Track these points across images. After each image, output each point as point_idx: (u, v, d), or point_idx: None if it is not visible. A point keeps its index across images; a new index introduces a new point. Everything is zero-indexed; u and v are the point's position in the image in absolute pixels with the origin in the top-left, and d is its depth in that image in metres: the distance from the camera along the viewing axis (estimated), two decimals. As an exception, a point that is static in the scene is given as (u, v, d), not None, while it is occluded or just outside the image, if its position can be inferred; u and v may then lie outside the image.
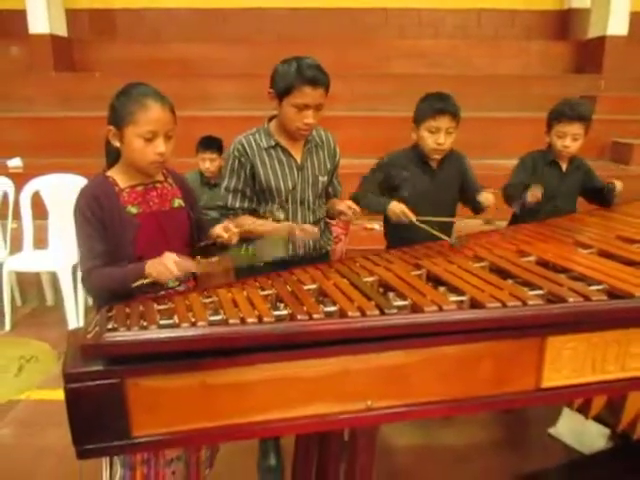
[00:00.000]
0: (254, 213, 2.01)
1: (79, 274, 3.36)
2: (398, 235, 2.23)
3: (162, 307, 1.26)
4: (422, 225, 2.00)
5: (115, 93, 1.63)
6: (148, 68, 5.80)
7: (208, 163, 3.32)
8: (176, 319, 1.20)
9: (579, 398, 1.55)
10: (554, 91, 5.01)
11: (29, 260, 3.49)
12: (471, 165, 2.38)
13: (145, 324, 1.17)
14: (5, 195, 3.64)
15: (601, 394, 1.52)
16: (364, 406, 1.31)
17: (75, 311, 3.36)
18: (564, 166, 2.39)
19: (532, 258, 1.65)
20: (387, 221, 2.32)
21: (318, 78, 1.84)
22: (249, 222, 1.87)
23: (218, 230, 1.66)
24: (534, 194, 2.22)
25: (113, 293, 1.48)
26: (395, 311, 1.26)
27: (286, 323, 1.21)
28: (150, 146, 1.54)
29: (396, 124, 2.67)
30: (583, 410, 1.66)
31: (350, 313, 1.24)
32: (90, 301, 3.43)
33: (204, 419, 1.24)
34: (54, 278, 3.56)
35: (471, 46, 6.66)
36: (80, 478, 1.35)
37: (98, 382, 1.14)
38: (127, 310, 1.24)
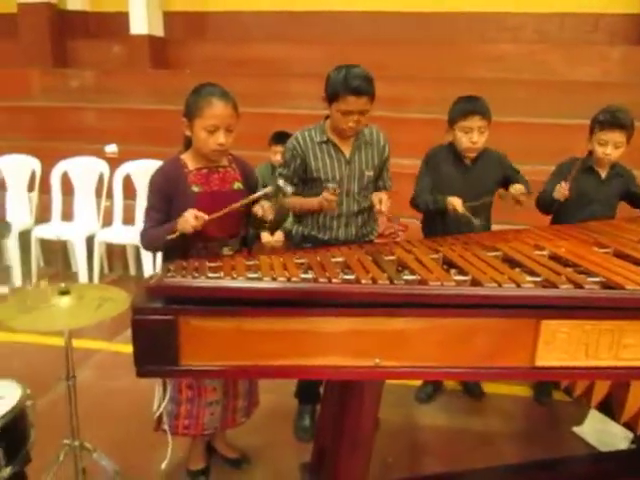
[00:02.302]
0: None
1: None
2: (433, 228, 2.43)
3: (212, 265, 1.56)
4: (467, 214, 2.24)
5: (191, 91, 1.99)
6: (234, 67, 6.23)
7: (279, 156, 3.63)
8: (221, 274, 1.49)
9: (571, 380, 1.70)
10: (635, 99, 4.92)
11: (117, 233, 3.97)
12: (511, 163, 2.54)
13: (197, 275, 1.47)
14: (101, 176, 4.15)
15: (593, 379, 1.66)
16: (372, 363, 1.53)
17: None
18: (603, 173, 2.48)
19: (545, 252, 1.80)
20: (424, 216, 2.55)
21: (362, 88, 2.06)
22: (294, 201, 2.22)
23: (256, 208, 1.92)
24: (561, 190, 2.33)
25: (157, 247, 1.95)
26: (403, 282, 1.49)
27: (308, 283, 1.47)
28: (212, 137, 1.87)
29: None
30: (585, 398, 1.80)
31: (364, 281, 1.48)
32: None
33: (237, 358, 1.51)
34: (138, 251, 4.03)
35: (550, 51, 6.59)
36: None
37: (157, 317, 1.44)
38: (184, 264, 1.55)
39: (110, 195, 4.12)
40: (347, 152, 2.25)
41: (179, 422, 2.04)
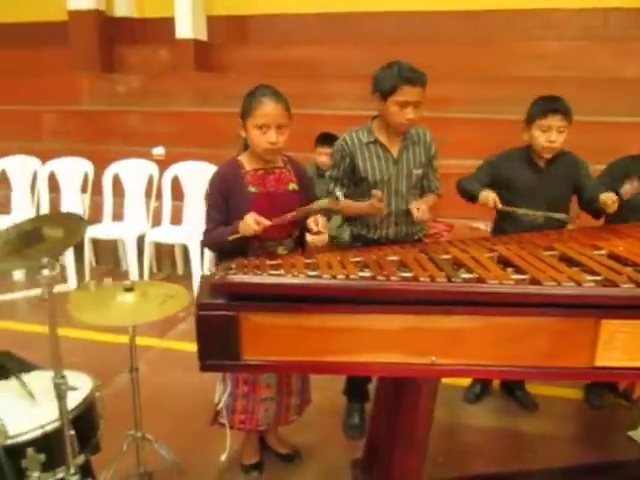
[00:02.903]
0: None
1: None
2: (501, 231, 2.42)
3: (272, 263, 1.60)
4: (507, 209, 2.27)
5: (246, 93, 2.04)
6: (276, 69, 6.31)
7: (324, 157, 3.67)
8: (281, 272, 1.53)
9: (632, 380, 1.67)
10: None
11: (166, 233, 4.08)
12: (591, 171, 2.49)
13: (258, 272, 1.52)
14: (150, 178, 4.28)
15: (656, 379, 1.63)
16: (429, 361, 1.55)
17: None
18: None
19: (603, 252, 1.78)
20: (495, 220, 2.54)
21: (416, 77, 2.11)
22: (343, 204, 2.23)
23: (310, 223, 1.94)
24: (631, 186, 2.28)
25: (219, 247, 1.99)
26: (460, 280, 1.50)
27: (367, 281, 1.50)
28: (264, 136, 1.92)
29: (512, 127, 2.76)
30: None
31: (422, 278, 1.50)
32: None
33: (295, 353, 1.55)
34: (185, 251, 4.14)
35: (596, 47, 6.43)
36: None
37: (220, 312, 1.50)
38: (245, 262, 1.60)
39: (159, 196, 4.24)
40: (395, 152, 2.27)
41: (235, 416, 2.10)
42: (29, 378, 1.64)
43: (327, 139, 3.79)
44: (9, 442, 1.38)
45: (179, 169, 4.23)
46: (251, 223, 1.81)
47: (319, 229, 1.92)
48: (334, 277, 1.50)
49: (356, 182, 2.31)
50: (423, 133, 2.32)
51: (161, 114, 5.80)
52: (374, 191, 2.13)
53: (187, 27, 6.48)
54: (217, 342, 1.53)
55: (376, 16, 7.20)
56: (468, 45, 6.76)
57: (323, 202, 1.95)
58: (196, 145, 5.23)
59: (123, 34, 7.02)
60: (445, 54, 6.48)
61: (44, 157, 4.64)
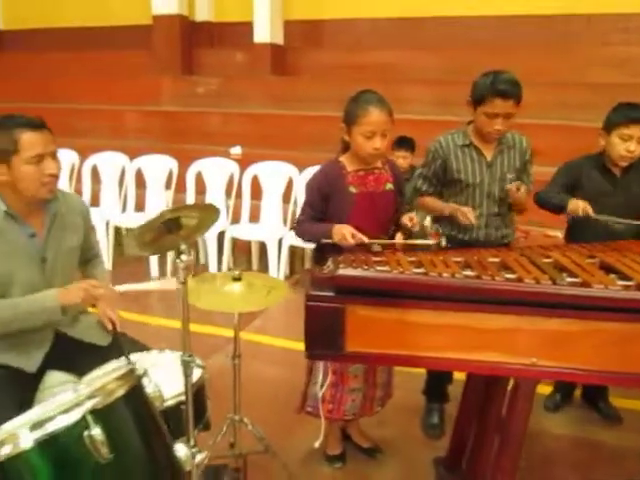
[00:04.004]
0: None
1: (284, 246, 4.03)
2: (575, 239, 2.40)
3: (378, 259, 1.67)
4: (600, 217, 2.22)
5: (349, 98, 2.12)
6: (350, 73, 6.39)
7: (401, 160, 3.72)
8: (387, 267, 1.60)
9: None
10: None
11: (244, 230, 4.23)
12: None
13: (366, 267, 1.59)
14: (231, 176, 4.44)
15: None
16: (529, 362, 1.57)
17: (276, 277, 4.01)
18: None
19: None
20: (569, 227, 2.52)
21: (509, 91, 2.11)
22: (431, 202, 2.33)
23: (405, 219, 2.04)
24: None
25: (309, 240, 2.09)
26: (565, 284, 1.52)
27: (473, 280, 1.54)
28: (369, 142, 1.99)
29: (588, 134, 2.72)
30: None
31: (527, 280, 1.53)
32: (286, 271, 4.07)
33: (398, 347, 1.61)
34: (262, 248, 4.27)
35: (682, 53, 6.17)
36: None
37: (328, 304, 1.57)
38: (352, 257, 1.67)
39: (239, 194, 4.39)
40: (489, 155, 2.29)
41: (323, 405, 2.17)
42: (140, 357, 1.77)
43: (404, 143, 3.85)
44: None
45: (259, 169, 4.37)
46: (348, 236, 1.87)
47: (413, 225, 2.00)
48: (440, 275, 1.55)
49: (446, 183, 2.35)
50: (519, 138, 2.33)
51: (237, 115, 6.00)
52: (466, 208, 2.19)
53: (265, 31, 6.67)
54: (323, 332, 1.60)
55: (449, 21, 7.16)
56: (543, 50, 6.63)
57: (424, 242, 2.01)
58: (270, 146, 5.38)
59: (203, 38, 7.29)
60: (519, 59, 6.34)
61: (129, 154, 4.90)
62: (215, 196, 4.42)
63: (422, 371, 2.73)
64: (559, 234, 3.95)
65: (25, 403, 1.63)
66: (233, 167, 4.49)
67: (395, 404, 2.49)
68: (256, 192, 4.37)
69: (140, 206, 4.68)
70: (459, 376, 2.64)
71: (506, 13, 7.02)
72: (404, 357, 1.63)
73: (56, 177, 1.70)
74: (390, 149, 3.83)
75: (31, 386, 1.71)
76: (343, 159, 2.11)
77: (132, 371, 0.96)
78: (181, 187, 4.58)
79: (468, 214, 2.17)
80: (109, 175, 4.78)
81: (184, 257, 1.34)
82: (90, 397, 0.88)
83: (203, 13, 7.36)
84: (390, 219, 2.10)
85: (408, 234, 2.14)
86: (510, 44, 6.78)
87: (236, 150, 5.26)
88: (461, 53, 6.41)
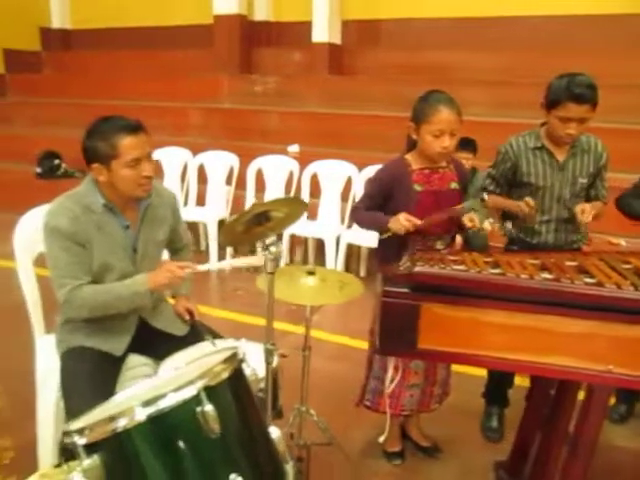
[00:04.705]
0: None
1: (341, 244, 4.07)
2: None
3: (453, 257, 1.68)
4: None
5: (418, 97, 2.13)
6: (407, 73, 6.37)
7: (464, 161, 3.68)
8: (464, 266, 1.61)
9: None
10: None
11: (302, 227, 4.29)
12: None
13: (442, 266, 1.60)
14: (290, 174, 4.51)
15: None
16: (605, 368, 1.55)
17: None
18: None
19: None
20: None
21: (584, 95, 2.06)
22: (493, 199, 2.32)
23: (465, 219, 2.04)
24: None
25: (363, 227, 2.19)
26: (648, 290, 1.49)
27: (551, 282, 1.53)
28: (437, 141, 2.00)
29: None
30: None
31: (607, 285, 1.51)
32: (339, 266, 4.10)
33: (470, 346, 1.62)
34: (318, 244, 4.33)
35: None
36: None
37: (403, 301, 1.60)
38: (428, 256, 1.69)
39: (298, 192, 4.46)
40: (561, 158, 2.26)
41: (382, 400, 2.20)
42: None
43: (466, 144, 3.81)
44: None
45: (318, 167, 4.43)
46: (403, 221, 1.94)
47: (474, 224, 2.01)
48: (517, 276, 1.55)
49: (515, 185, 2.33)
50: (594, 142, 2.29)
51: (295, 114, 6.08)
52: (527, 198, 2.17)
53: (323, 31, 6.72)
54: (397, 328, 1.63)
55: (510, 21, 7.02)
56: (607, 51, 6.42)
57: (470, 203, 2.04)
58: (327, 145, 5.43)
59: (261, 37, 7.41)
60: (582, 60, 6.14)
61: (191, 150, 5.04)
62: (274, 193, 4.50)
63: (480, 374, 2.72)
64: (622, 242, 3.83)
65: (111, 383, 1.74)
66: (293, 165, 4.56)
67: (453, 405, 2.49)
68: (315, 190, 4.42)
69: (201, 201, 4.81)
70: (520, 381, 2.62)
71: (569, 13, 6.83)
72: (476, 357, 1.63)
73: (151, 178, 1.79)
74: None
75: (116, 368, 1.81)
76: (408, 157, 2.13)
77: (235, 355, 1.01)
78: (241, 183, 4.69)
79: (528, 203, 2.14)
80: (172, 170, 4.93)
81: (272, 249, 1.40)
82: (201, 377, 0.94)
83: (262, 13, 7.48)
84: (454, 219, 2.11)
85: (465, 235, 2.15)
86: (573, 45, 6.60)
87: (294, 148, 5.33)
88: (522, 54, 6.28)
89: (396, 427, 2.34)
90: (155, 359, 1.90)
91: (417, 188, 2.08)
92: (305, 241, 4.49)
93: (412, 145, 2.15)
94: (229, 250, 4.50)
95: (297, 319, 3.61)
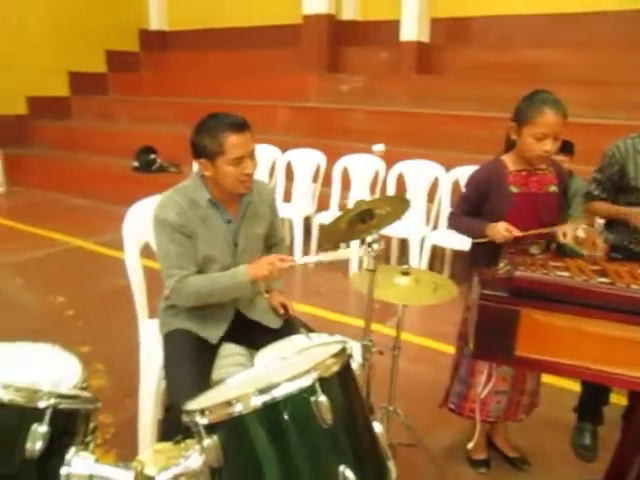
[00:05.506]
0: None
1: (426, 245, 4.03)
2: None
3: (556, 264, 1.62)
4: None
5: (522, 97, 2.07)
6: (496, 72, 6.19)
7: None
8: (568, 273, 1.55)
9: None
10: None
11: (388, 226, 4.29)
12: None
13: (545, 271, 1.55)
14: (376, 174, 4.52)
15: None
16: None
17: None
18: None
19: None
20: None
21: None
22: (600, 206, 2.25)
23: (559, 234, 1.97)
24: None
25: (460, 233, 2.13)
26: None
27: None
28: (539, 144, 1.94)
29: None
30: None
31: None
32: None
33: (570, 357, 1.55)
34: (401, 244, 4.31)
35: None
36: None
37: (502, 305, 1.56)
38: (529, 260, 1.65)
39: (383, 191, 4.46)
40: (674, 162, 2.13)
41: (466, 404, 2.16)
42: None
43: (564, 146, 3.64)
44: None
45: (404, 167, 4.40)
46: (502, 230, 1.90)
47: (566, 241, 1.94)
48: (628, 286, 1.48)
49: (622, 190, 2.22)
50: None
51: (381, 113, 6.07)
52: None
53: (412, 29, 6.66)
54: (493, 333, 1.59)
55: (606, 16, 6.65)
56: None
57: (574, 226, 1.95)
58: (413, 145, 5.38)
59: (348, 36, 7.45)
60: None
61: (279, 147, 5.16)
62: (360, 192, 4.52)
63: (571, 387, 2.61)
64: None
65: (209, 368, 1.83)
66: (379, 164, 4.56)
67: (541, 418, 2.41)
68: (400, 190, 4.40)
69: (287, 197, 4.92)
70: (616, 399, 2.48)
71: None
72: (576, 368, 1.57)
73: (252, 175, 1.86)
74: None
75: (212, 354, 1.90)
76: (505, 158, 2.07)
77: (344, 350, 1.04)
78: (327, 181, 4.74)
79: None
80: (261, 166, 5.06)
81: (375, 246, 1.42)
82: (315, 368, 0.97)
83: (349, 12, 7.52)
84: (552, 223, 2.03)
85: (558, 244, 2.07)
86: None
87: (379, 147, 5.32)
88: (618, 52, 5.93)
89: (482, 434, 2.30)
90: (248, 349, 1.98)
91: (513, 190, 2.03)
92: (388, 241, 4.48)
93: (511, 146, 2.09)
94: (313, 246, 4.57)
95: (379, 318, 3.62)
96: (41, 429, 0.99)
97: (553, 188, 2.07)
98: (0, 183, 6.91)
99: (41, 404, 1.01)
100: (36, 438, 0.99)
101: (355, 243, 3.74)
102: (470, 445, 2.03)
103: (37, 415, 1.01)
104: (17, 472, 1.01)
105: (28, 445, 0.99)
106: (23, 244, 4.99)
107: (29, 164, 7.31)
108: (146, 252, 2.20)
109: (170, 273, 1.82)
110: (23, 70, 7.43)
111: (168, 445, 1.11)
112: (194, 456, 1.00)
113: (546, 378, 2.34)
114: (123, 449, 2.28)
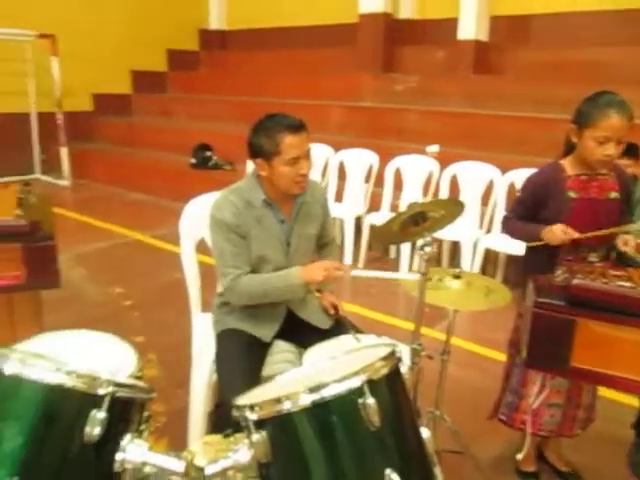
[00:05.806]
0: None
1: (479, 248, 3.95)
2: None
3: (617, 273, 1.57)
4: None
5: (584, 98, 2.00)
6: (557, 72, 5.98)
7: (628, 169, 3.41)
8: (630, 284, 1.49)
9: None
10: None
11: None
12: None
13: (605, 280, 1.50)
14: (429, 175, 4.46)
15: None
16: None
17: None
18: None
19: None
20: None
21: None
22: None
23: (619, 242, 1.90)
24: None
25: (515, 237, 2.09)
26: None
27: None
28: (600, 148, 1.87)
29: None
30: None
31: None
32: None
33: (629, 370, 1.50)
34: (453, 247, 4.25)
35: None
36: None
37: (558, 314, 1.52)
38: (587, 268, 1.59)
39: (436, 193, 4.40)
40: None
41: (517, 415, 2.11)
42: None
43: (629, 150, 3.50)
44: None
45: (458, 168, 4.33)
46: (558, 233, 1.84)
47: (628, 250, 1.86)
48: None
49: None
50: None
51: (435, 113, 5.99)
52: None
53: (470, 28, 6.54)
54: (548, 342, 1.56)
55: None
56: None
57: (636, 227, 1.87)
58: (468, 146, 5.28)
59: (404, 35, 7.38)
60: None
61: (333, 147, 5.17)
62: (412, 193, 4.48)
63: (630, 402, 2.50)
64: None
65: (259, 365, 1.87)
66: (432, 165, 4.50)
67: (597, 433, 2.32)
68: (454, 192, 4.33)
69: (339, 197, 4.92)
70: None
71: None
72: (634, 382, 1.52)
73: (307, 176, 1.87)
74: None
75: (263, 351, 1.93)
76: (564, 162, 2.00)
77: (394, 353, 1.04)
78: (379, 182, 4.72)
79: None
80: (314, 165, 5.09)
81: (427, 249, 1.41)
82: (364, 370, 0.98)
83: (406, 10, 7.45)
84: (602, 237, 1.95)
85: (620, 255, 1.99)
86: None
87: (433, 148, 5.24)
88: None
89: (533, 446, 2.24)
90: (298, 347, 2.00)
91: (571, 195, 1.96)
92: (440, 243, 4.42)
93: (570, 149, 2.02)
94: (363, 246, 4.55)
95: (429, 321, 3.58)
96: (100, 415, 1.03)
97: (614, 195, 1.99)
98: (66, 176, 7.22)
99: (100, 391, 1.05)
100: (95, 423, 1.03)
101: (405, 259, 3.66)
102: (519, 456, 1.98)
103: (96, 401, 1.05)
104: (76, 455, 1.05)
105: (87, 430, 1.03)
106: (87, 236, 5.21)
107: (92, 158, 7.63)
108: (201, 247, 2.26)
109: (225, 272, 1.86)
110: (91, 69, 7.77)
111: (218, 438, 1.14)
112: (243, 450, 1.02)
113: (603, 391, 2.26)
114: (174, 438, 2.34)
